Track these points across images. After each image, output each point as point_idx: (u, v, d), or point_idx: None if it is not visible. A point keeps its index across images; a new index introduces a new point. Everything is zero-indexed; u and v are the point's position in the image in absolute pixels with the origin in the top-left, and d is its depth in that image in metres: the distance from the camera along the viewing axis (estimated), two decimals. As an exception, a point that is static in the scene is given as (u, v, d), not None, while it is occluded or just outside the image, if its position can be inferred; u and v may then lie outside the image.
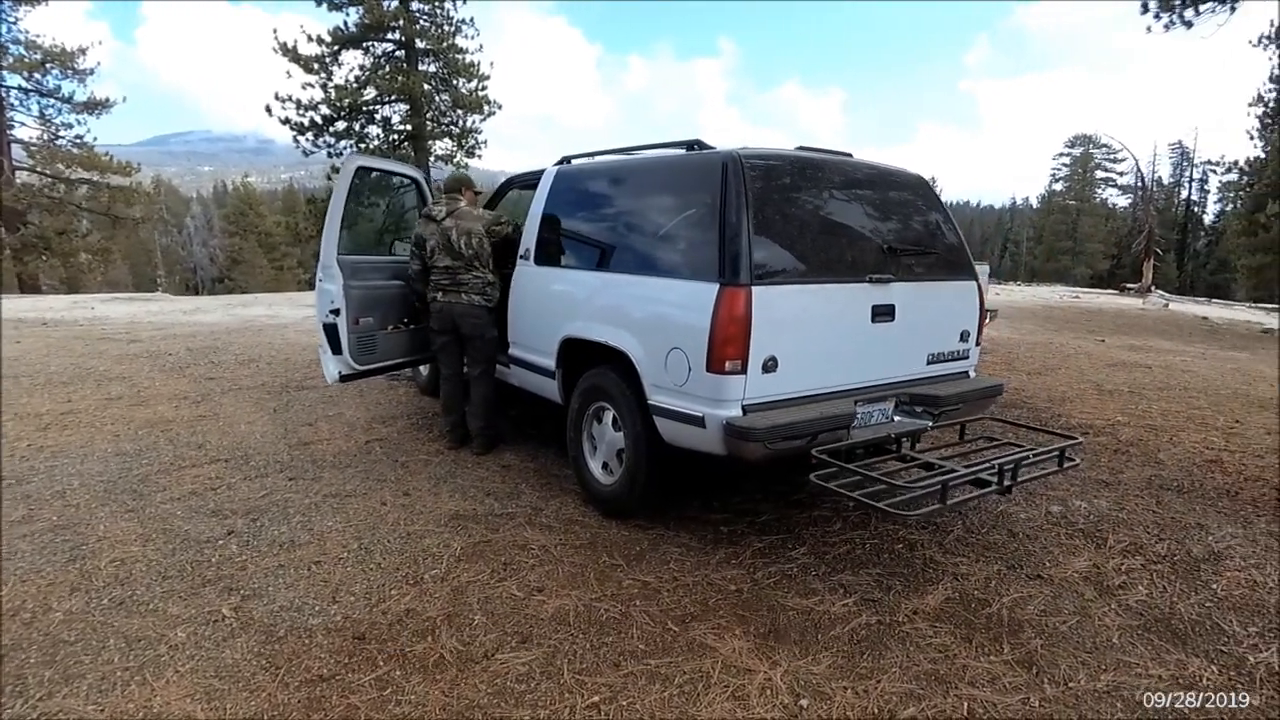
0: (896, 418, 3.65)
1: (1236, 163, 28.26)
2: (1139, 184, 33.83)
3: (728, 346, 3.01)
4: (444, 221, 4.62)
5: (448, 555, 3.44)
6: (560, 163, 4.66)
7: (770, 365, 3.12)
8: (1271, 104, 28.45)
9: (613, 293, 3.81)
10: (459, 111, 24.05)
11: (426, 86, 23.27)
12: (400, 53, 23.87)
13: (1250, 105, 29.32)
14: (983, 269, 7.92)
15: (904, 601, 3.06)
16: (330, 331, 4.69)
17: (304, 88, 22.08)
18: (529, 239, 4.56)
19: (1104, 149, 48.08)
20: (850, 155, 3.91)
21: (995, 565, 3.36)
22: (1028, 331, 12.87)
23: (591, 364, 3.91)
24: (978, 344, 4.01)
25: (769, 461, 3.25)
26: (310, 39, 21.80)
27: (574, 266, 4.27)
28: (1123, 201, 50.44)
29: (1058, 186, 52.68)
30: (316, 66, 21.97)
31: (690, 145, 3.70)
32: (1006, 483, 3.06)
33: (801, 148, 3.76)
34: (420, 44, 23.60)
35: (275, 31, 21.46)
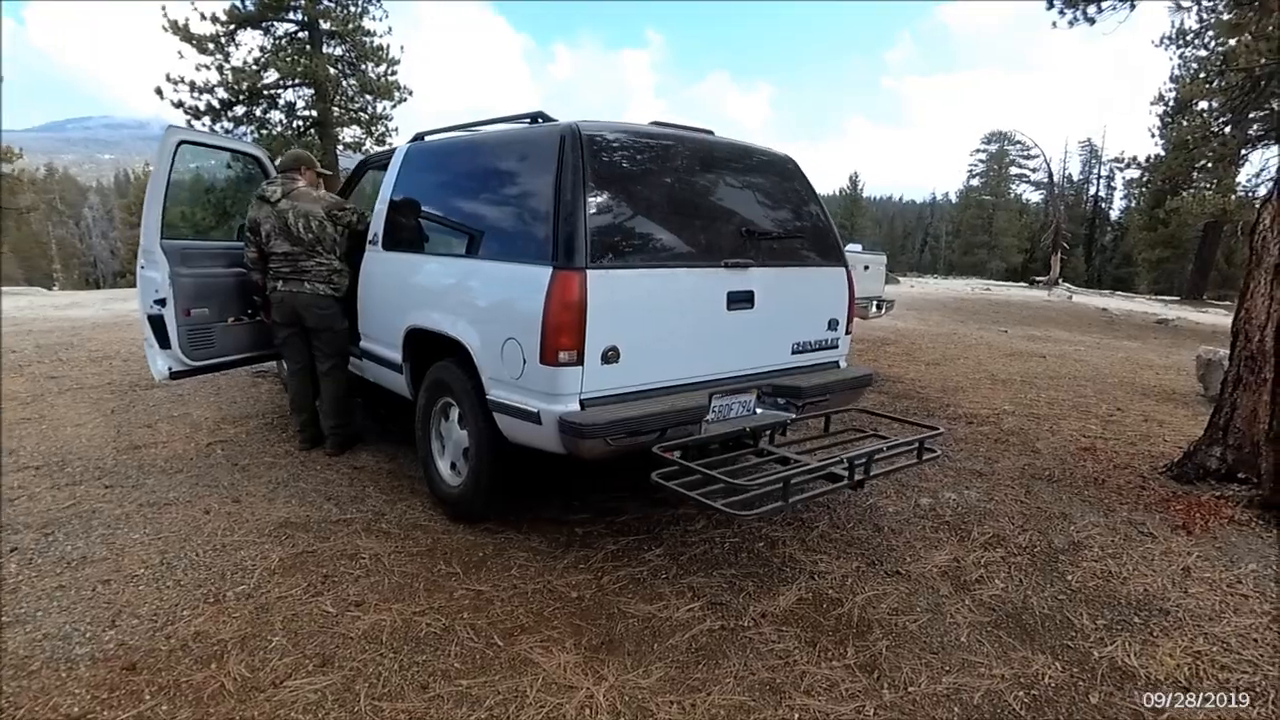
0: (758, 410, 3.46)
1: (1136, 159, 29.54)
2: (1049, 180, 35.23)
3: (561, 336, 2.75)
4: (279, 204, 4.21)
5: (261, 568, 3.07)
6: (414, 139, 4.31)
7: (611, 356, 2.87)
8: (1171, 103, 29.90)
9: (452, 279, 3.51)
10: (368, 97, 23.02)
11: (332, 70, 22.16)
12: (303, 34, 22.70)
13: (1152, 104, 30.71)
14: (878, 259, 7.92)
15: (753, 604, 2.86)
16: (156, 323, 4.22)
17: (198, 69, 20.75)
18: (377, 222, 4.19)
19: (1018, 146, 49.91)
20: (712, 133, 3.70)
21: (855, 562, 3.20)
22: (935, 323, 13.09)
23: (438, 356, 3.60)
24: (848, 332, 3.86)
25: (614, 459, 3.00)
26: (204, 17, 20.48)
27: (419, 251, 3.93)
28: (1036, 197, 52.52)
29: (975, 182, 54.49)
30: (211, 47, 20.59)
31: (534, 118, 3.41)
32: (858, 477, 2.90)
33: (656, 123, 3.52)
34: (325, 25, 22.47)
35: (164, 9, 20.05)
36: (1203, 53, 28.34)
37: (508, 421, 3.08)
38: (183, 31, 20.10)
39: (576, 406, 2.83)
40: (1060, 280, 26.21)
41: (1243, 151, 28.26)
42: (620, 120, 3.33)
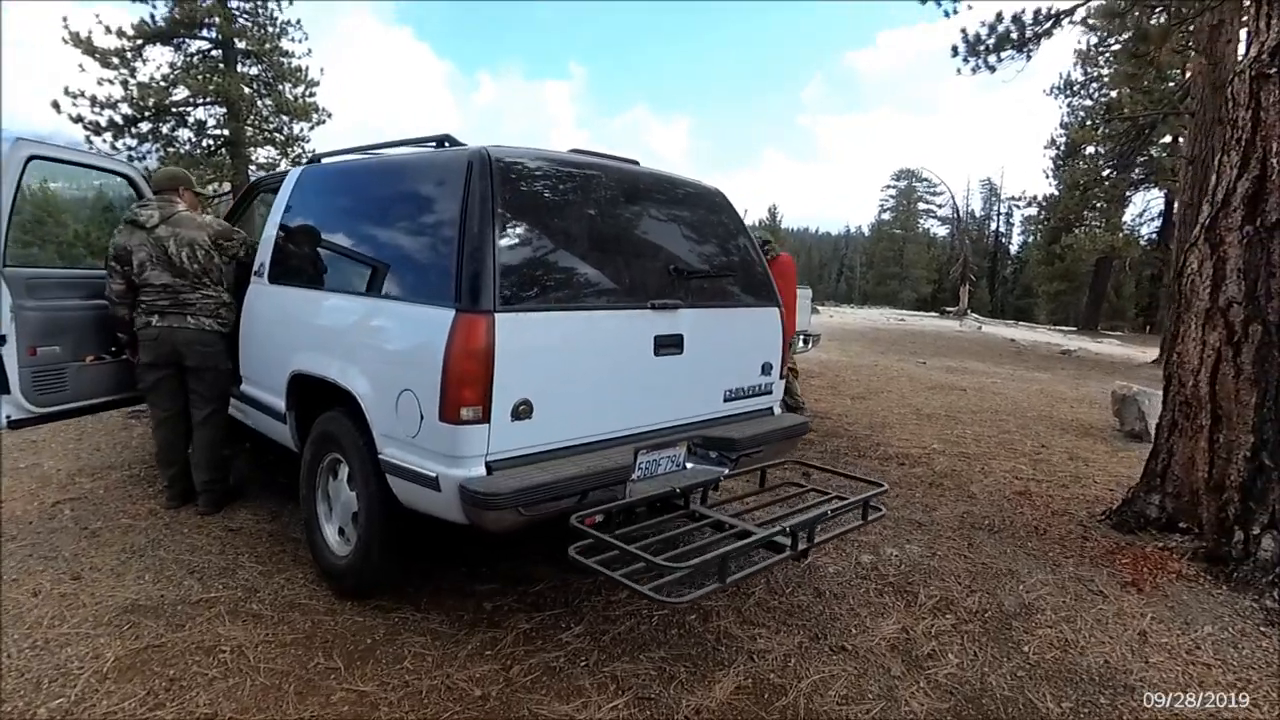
0: (689, 465, 3.12)
1: (1035, 198, 31.43)
2: (955, 216, 36.99)
3: (464, 389, 2.34)
4: (157, 229, 3.66)
5: (91, 671, 2.50)
6: (310, 161, 3.84)
7: (523, 410, 2.47)
8: (1062, 147, 31.96)
9: (342, 318, 3.05)
10: (284, 118, 22.07)
11: (247, 90, 21.17)
12: (217, 52, 21.69)
13: (1045, 148, 32.85)
14: (803, 292, 7.80)
15: (686, 695, 2.48)
16: (-11, 364, 3.56)
17: (100, 84, 19.41)
18: (264, 250, 3.69)
19: (925, 183, 52.46)
20: (637, 162, 3.39)
21: (797, 636, 2.88)
22: (856, 354, 13.21)
23: (327, 405, 3.11)
24: (781, 376, 3.59)
25: (527, 529, 2.60)
26: (109, 30, 19.20)
27: (307, 285, 3.44)
28: (942, 231, 55.16)
29: (886, 216, 56.87)
30: (116, 61, 19.34)
31: (440, 141, 3.02)
32: (802, 546, 2.59)
33: (577, 150, 3.19)
34: (241, 44, 21.59)
35: (65, 20, 18.66)
36: (1088, 102, 30.59)
37: (402, 486, 2.63)
38: (85, 44, 18.76)
39: (482, 470, 2.41)
40: (969, 311, 27.32)
41: (1128, 194, 30.50)
42: (540, 147, 2.98)
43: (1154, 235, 31.13)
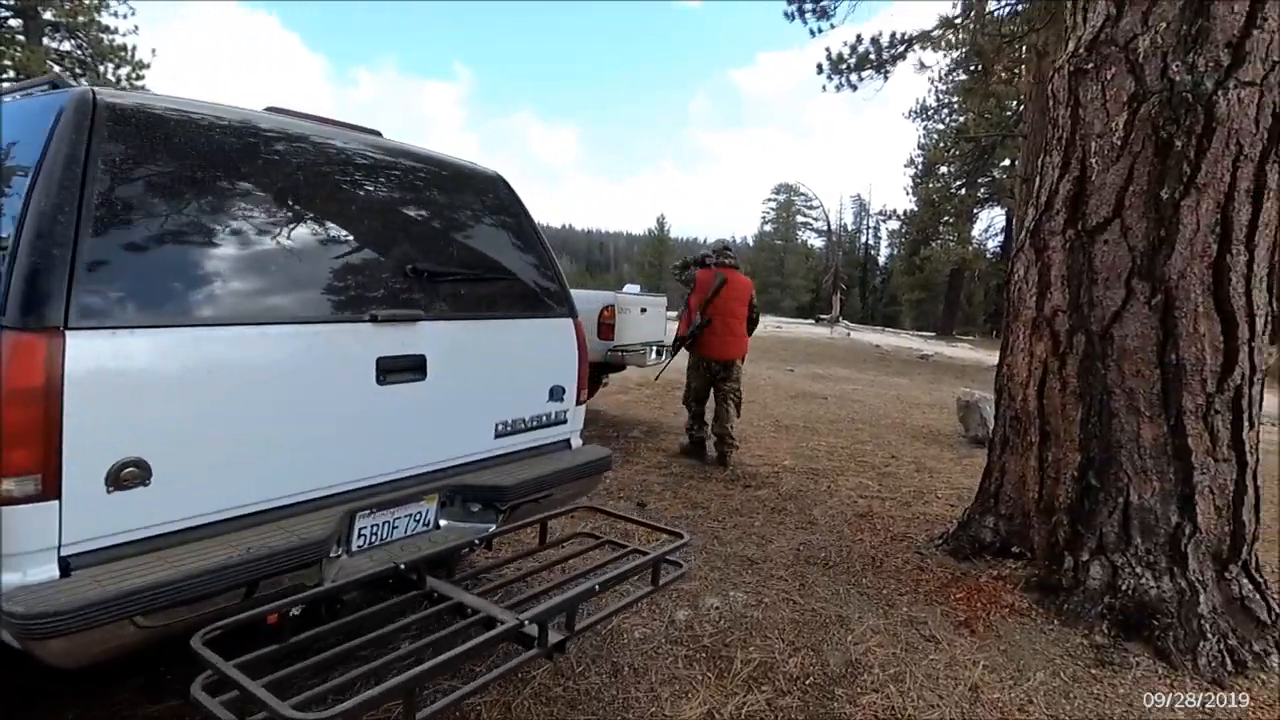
0: (444, 523, 2.50)
1: (896, 212, 33.18)
2: (828, 229, 38.45)
3: (13, 450, 1.59)
4: None
5: None
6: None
7: (130, 476, 1.70)
8: (920, 166, 33.91)
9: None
10: (106, 102, 19.76)
11: (57, 67, 18.72)
12: (15, 21, 19.14)
13: (905, 166, 34.88)
14: (657, 301, 7.34)
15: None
16: None
17: None
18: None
19: (802, 197, 54.41)
20: (379, 134, 2.76)
21: (579, 735, 2.31)
22: (726, 364, 13.02)
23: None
24: (581, 402, 3.04)
25: (136, 654, 1.85)
26: None
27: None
28: (819, 243, 57.33)
29: (768, 228, 58.62)
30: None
31: (54, 83, 2.13)
32: (557, 638, 2.01)
33: (275, 109, 2.50)
34: (48, 14, 19.14)
35: None
36: (941, 126, 32.74)
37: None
38: None
39: (49, 571, 1.62)
40: (841, 318, 28.22)
41: (976, 210, 32.85)
42: (177, 95, 2.18)
43: (998, 249, 33.63)
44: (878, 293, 56.18)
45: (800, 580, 3.44)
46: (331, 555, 2.10)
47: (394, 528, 2.34)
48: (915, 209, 33.61)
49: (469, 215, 2.81)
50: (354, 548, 2.22)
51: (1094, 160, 3.11)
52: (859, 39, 16.92)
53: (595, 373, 7.09)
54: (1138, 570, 2.97)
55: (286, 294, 2.09)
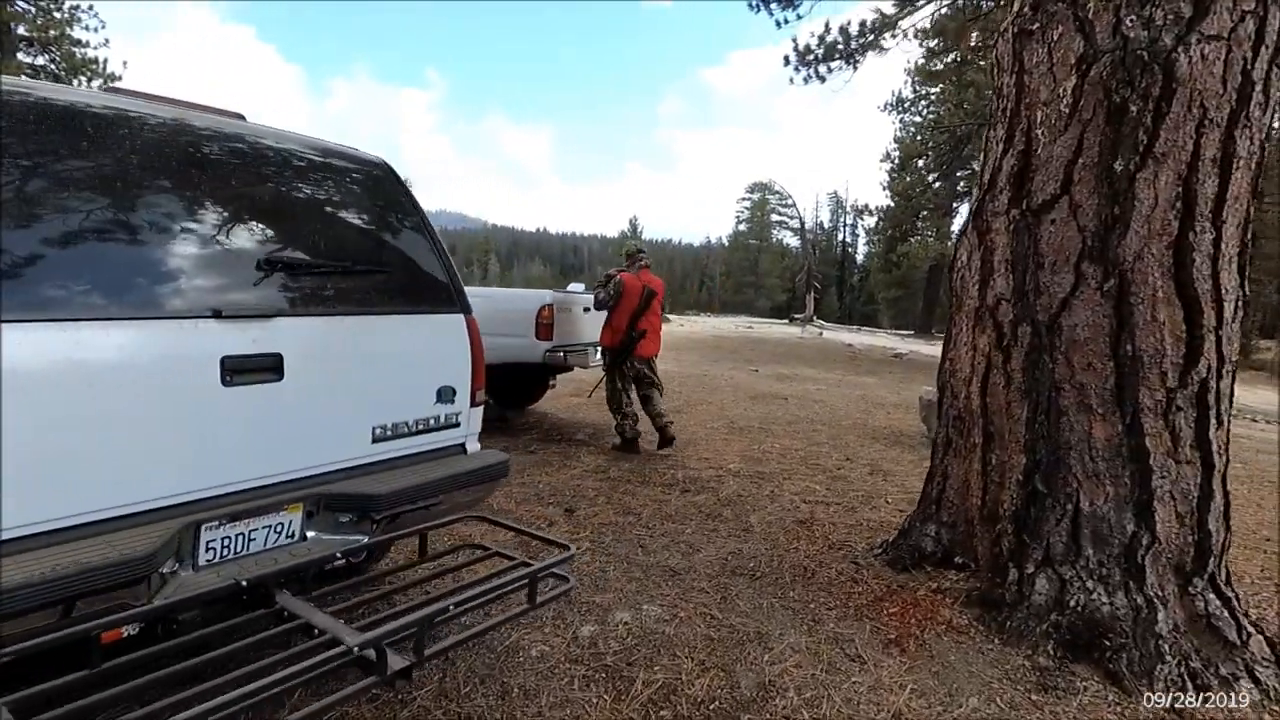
0: (312, 534, 2.17)
1: (871, 208, 32.96)
2: (801, 227, 38.30)
3: None
4: None
5: None
6: None
7: None
8: (896, 160, 33.79)
9: None
10: (79, 116, 19.35)
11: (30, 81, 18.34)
12: None
13: (881, 161, 34.67)
14: (577, 291, 6.95)
15: None
16: None
17: None
18: None
19: (777, 195, 54.22)
20: (242, 117, 2.44)
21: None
22: (689, 364, 12.72)
23: None
24: (477, 404, 2.71)
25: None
26: None
27: None
28: (794, 241, 57.27)
29: (743, 228, 58.43)
30: None
31: None
32: (399, 665, 1.69)
33: (113, 88, 2.27)
34: (20, 30, 18.76)
35: None
36: (918, 119, 32.59)
37: None
38: None
39: None
40: (814, 317, 28.06)
41: (954, 204, 32.69)
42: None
43: (976, 245, 33.45)
44: (855, 291, 56.28)
45: (723, 593, 3.12)
46: (166, 571, 1.84)
47: (250, 540, 2.06)
48: (891, 204, 33.48)
49: (344, 205, 2.51)
50: (201, 562, 1.95)
51: (1040, 131, 2.82)
52: (827, 28, 16.68)
53: (538, 374, 6.75)
54: (1088, 584, 2.69)
55: (110, 287, 1.81)
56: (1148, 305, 2.65)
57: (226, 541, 1.98)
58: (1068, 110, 2.73)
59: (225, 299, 1.99)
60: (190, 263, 1.97)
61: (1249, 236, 2.65)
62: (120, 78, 20.48)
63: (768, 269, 53.99)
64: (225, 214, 2.13)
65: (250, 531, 2.04)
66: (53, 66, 19.75)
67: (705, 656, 2.61)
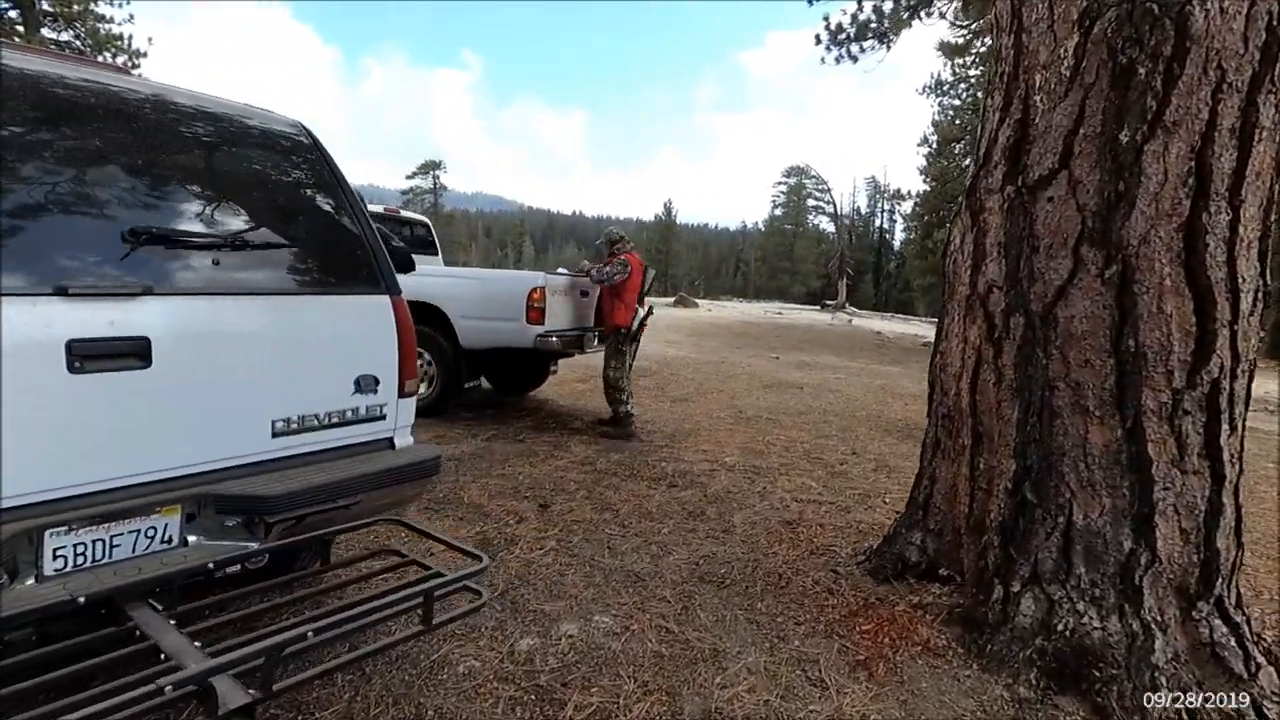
0: (193, 538, 2.01)
1: (909, 193, 32.10)
2: (836, 212, 37.52)
3: None
4: None
5: None
6: None
7: None
8: (934, 144, 32.87)
9: None
10: (104, 92, 19.80)
11: (56, 57, 18.77)
12: (14, 12, 19.07)
13: (919, 145, 33.75)
14: (556, 277, 6.61)
15: None
16: None
17: None
18: None
19: (814, 180, 53.28)
20: (127, 72, 2.26)
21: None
22: (709, 350, 12.46)
23: None
24: (406, 394, 2.52)
25: None
26: None
27: None
28: (831, 227, 56.22)
29: (778, 213, 57.56)
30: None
31: None
32: (245, 700, 1.51)
33: None
34: (45, 4, 19.16)
35: None
36: (957, 102, 31.54)
37: None
38: None
39: None
40: (846, 304, 27.49)
41: (994, 189, 31.64)
42: None
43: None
44: (892, 278, 55.10)
45: (685, 603, 2.91)
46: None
47: (114, 546, 1.88)
48: (928, 189, 32.59)
49: (245, 170, 2.31)
50: (48, 572, 1.76)
51: (1038, 98, 2.51)
52: (860, 6, 16.14)
53: (536, 360, 6.57)
54: (1079, 607, 2.41)
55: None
56: (1154, 295, 2.34)
57: (81, 549, 1.79)
58: (1068, 73, 2.42)
59: (76, 275, 1.78)
60: (30, 232, 1.77)
61: (1271, 219, 2.32)
62: (145, 54, 20.91)
63: (803, 254, 53.18)
64: (84, 177, 1.91)
65: (111, 537, 1.84)
66: (77, 42, 20.22)
67: (650, 677, 2.40)
